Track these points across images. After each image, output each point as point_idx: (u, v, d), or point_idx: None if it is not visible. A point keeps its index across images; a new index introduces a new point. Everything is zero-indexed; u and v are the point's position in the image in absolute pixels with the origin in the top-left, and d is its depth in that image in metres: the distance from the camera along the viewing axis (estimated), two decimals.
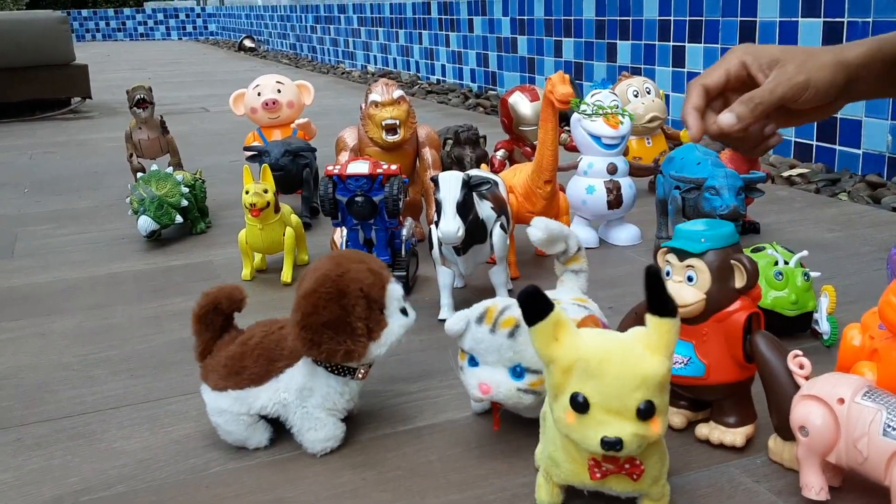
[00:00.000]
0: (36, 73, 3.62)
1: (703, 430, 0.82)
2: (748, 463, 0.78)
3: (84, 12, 10.88)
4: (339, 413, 0.83)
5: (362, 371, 0.82)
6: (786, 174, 2.04)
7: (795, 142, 2.21)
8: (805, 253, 1.05)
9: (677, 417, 0.84)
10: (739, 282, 0.76)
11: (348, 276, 0.77)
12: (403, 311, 0.81)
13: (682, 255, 0.77)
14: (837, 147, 2.08)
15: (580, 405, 0.60)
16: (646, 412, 0.60)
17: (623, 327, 0.84)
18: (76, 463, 0.84)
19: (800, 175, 2.02)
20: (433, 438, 0.85)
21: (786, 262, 1.04)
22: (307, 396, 0.81)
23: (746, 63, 0.80)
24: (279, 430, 0.85)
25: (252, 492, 0.77)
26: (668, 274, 0.78)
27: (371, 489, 0.77)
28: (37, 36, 3.60)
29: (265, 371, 0.81)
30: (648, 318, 0.61)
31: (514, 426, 0.85)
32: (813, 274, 1.06)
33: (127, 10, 11.12)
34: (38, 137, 3.13)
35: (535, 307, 0.62)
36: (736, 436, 0.80)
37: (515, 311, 0.77)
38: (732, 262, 0.76)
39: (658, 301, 0.60)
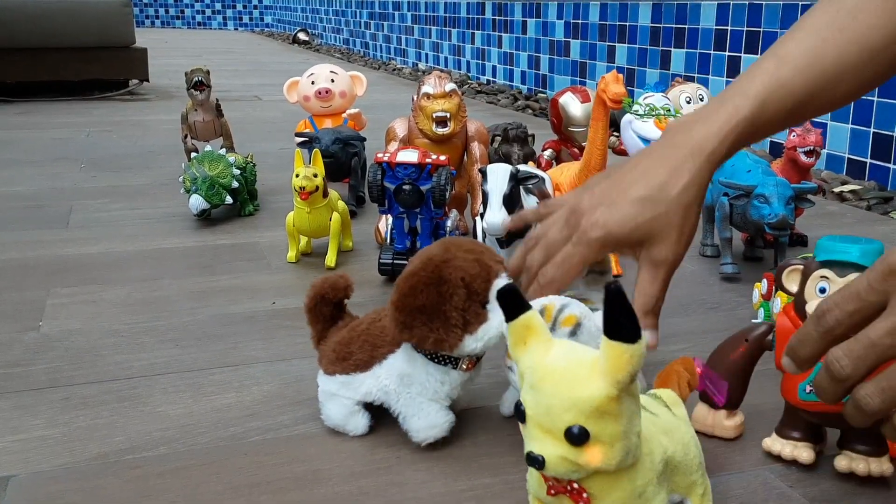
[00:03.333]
0: (97, 54, 3.70)
1: (842, 462, 0.76)
2: (782, 468, 0.78)
3: None
4: (444, 400, 0.80)
5: (466, 363, 0.79)
6: (837, 190, 2.01)
7: (848, 158, 2.17)
8: None
9: (805, 452, 0.78)
10: None
11: (452, 263, 0.75)
12: None
13: (843, 270, 0.72)
14: (892, 166, 2.04)
15: (520, 414, 0.59)
16: (578, 437, 0.56)
17: (722, 353, 0.82)
18: (122, 423, 0.86)
19: (851, 191, 1.99)
20: (467, 423, 0.86)
21: None
22: (408, 384, 0.80)
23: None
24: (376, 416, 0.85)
25: (289, 462, 0.79)
26: (822, 291, 0.73)
27: (405, 467, 0.78)
28: (99, 17, 3.69)
29: (370, 357, 0.81)
30: (603, 339, 0.56)
31: None
32: None
33: None
34: (96, 116, 3.21)
35: (512, 305, 0.59)
36: (883, 464, 0.76)
37: (575, 309, 0.76)
38: None
39: (614, 322, 0.54)
